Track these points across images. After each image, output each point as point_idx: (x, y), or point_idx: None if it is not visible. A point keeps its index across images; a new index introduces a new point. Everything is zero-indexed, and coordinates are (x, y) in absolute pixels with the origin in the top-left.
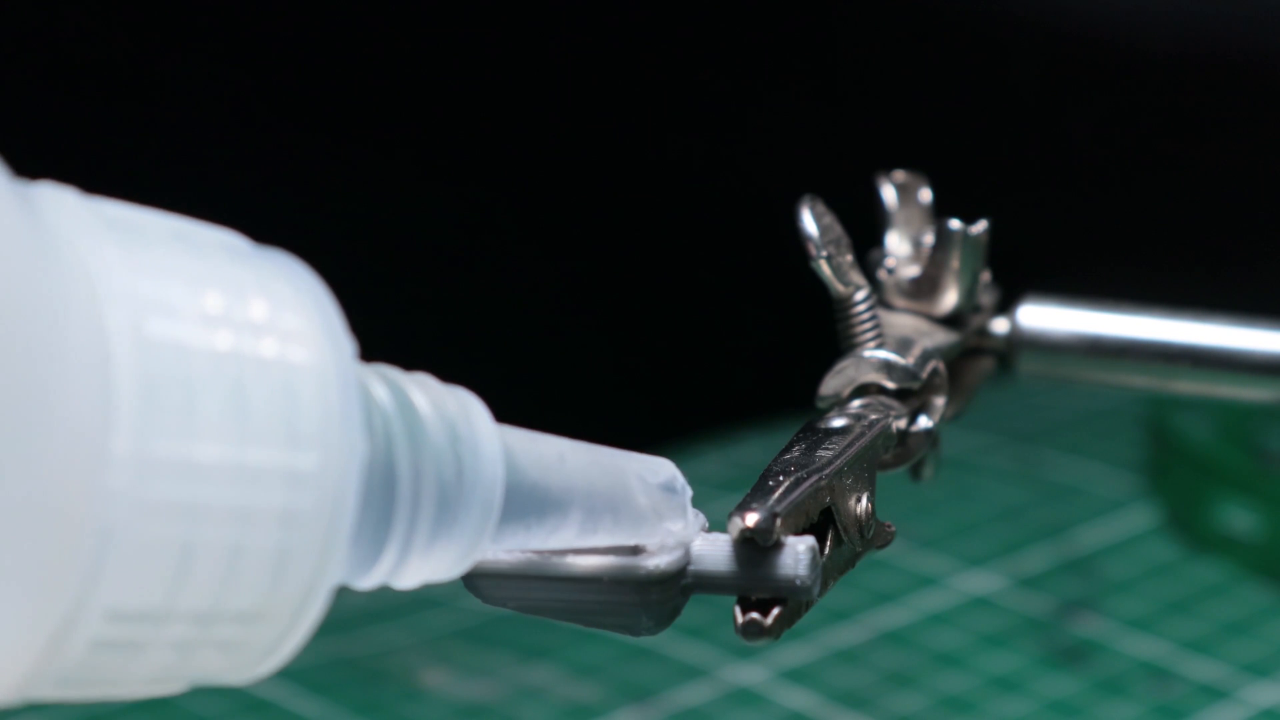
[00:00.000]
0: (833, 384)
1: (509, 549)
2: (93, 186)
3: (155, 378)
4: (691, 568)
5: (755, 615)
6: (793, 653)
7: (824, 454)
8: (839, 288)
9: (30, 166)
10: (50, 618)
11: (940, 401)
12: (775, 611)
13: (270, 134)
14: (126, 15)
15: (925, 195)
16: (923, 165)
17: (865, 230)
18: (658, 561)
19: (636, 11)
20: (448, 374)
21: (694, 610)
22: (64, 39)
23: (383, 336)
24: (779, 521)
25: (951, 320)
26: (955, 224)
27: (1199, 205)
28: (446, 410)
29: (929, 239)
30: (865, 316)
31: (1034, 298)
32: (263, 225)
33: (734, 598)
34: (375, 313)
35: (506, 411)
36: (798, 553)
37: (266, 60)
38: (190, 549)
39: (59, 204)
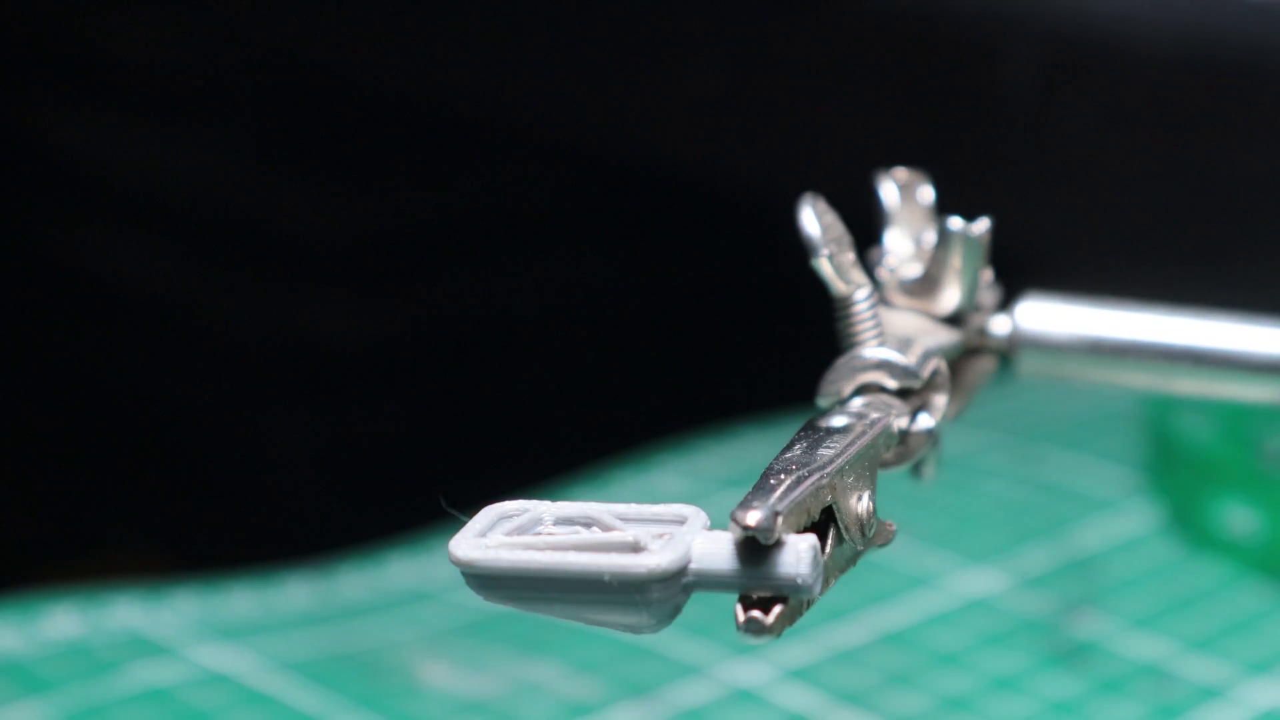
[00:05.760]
0: (834, 382)
1: (510, 547)
2: (95, 185)
3: None
4: (692, 566)
5: (756, 613)
6: (793, 652)
7: (825, 452)
8: (840, 286)
9: (31, 168)
10: None
11: (941, 400)
12: (776, 610)
13: (270, 134)
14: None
15: (926, 194)
16: (923, 165)
17: (866, 230)
18: (659, 559)
19: (636, 11)
20: (451, 374)
21: (695, 608)
22: (63, 37)
23: (388, 340)
24: (780, 520)
25: (953, 319)
26: (957, 223)
27: (1200, 204)
28: None
29: (930, 237)
30: (866, 315)
31: (1033, 296)
32: (262, 225)
33: (735, 596)
34: (379, 315)
35: (510, 410)
36: (799, 551)
37: (269, 60)
38: None
39: None
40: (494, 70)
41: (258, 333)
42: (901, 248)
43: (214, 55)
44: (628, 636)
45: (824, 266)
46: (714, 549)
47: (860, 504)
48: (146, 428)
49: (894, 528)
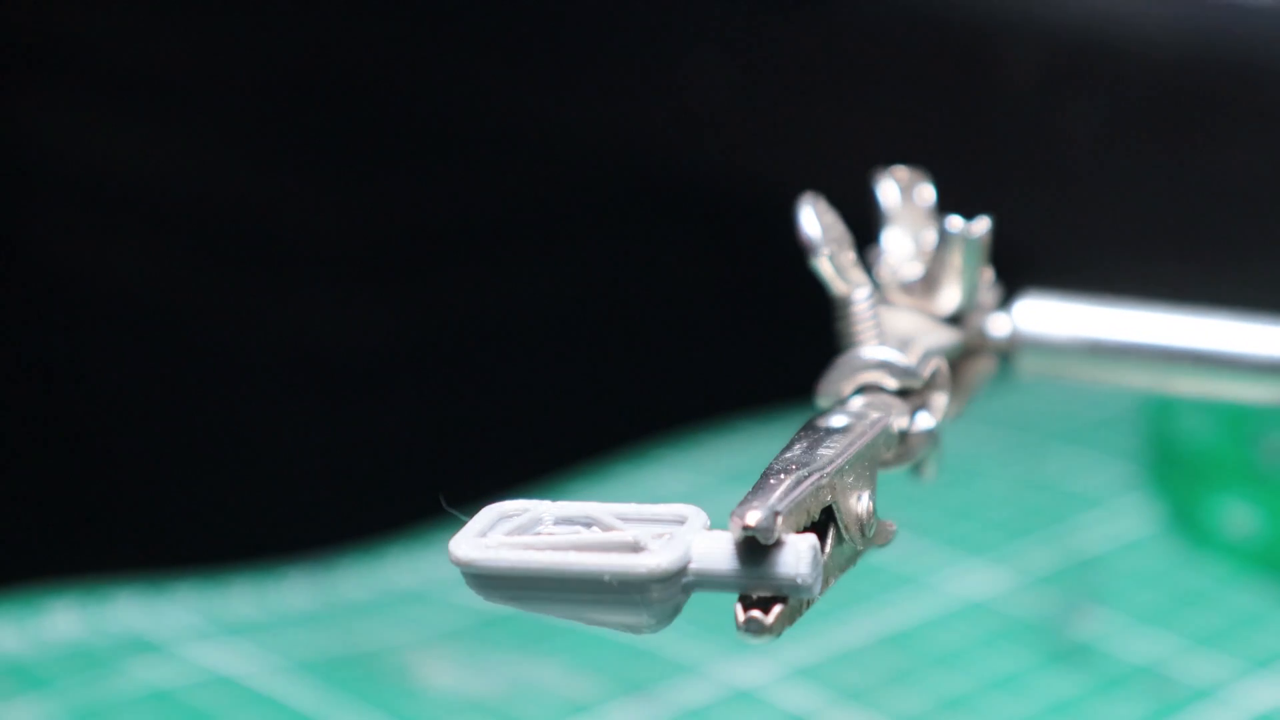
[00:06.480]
0: (834, 382)
1: (510, 547)
2: (93, 184)
3: None
4: (692, 565)
5: (756, 613)
6: (793, 651)
7: (825, 452)
8: (840, 286)
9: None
10: None
11: (942, 400)
12: (776, 610)
13: (267, 133)
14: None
15: (926, 193)
16: (923, 165)
17: (866, 229)
18: (659, 559)
19: (637, 12)
20: (450, 372)
21: (695, 608)
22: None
23: (388, 338)
24: (780, 520)
25: (953, 319)
26: (957, 223)
27: (1200, 204)
28: None
29: (930, 238)
30: (866, 315)
31: (1032, 295)
32: (260, 223)
33: (735, 596)
34: (379, 313)
35: (510, 407)
36: (799, 551)
37: (266, 59)
38: None
39: None
40: (494, 69)
41: (258, 331)
42: (901, 248)
43: (213, 53)
44: (628, 636)
45: (824, 266)
46: (714, 549)
47: (860, 504)
48: (147, 425)
49: (894, 528)
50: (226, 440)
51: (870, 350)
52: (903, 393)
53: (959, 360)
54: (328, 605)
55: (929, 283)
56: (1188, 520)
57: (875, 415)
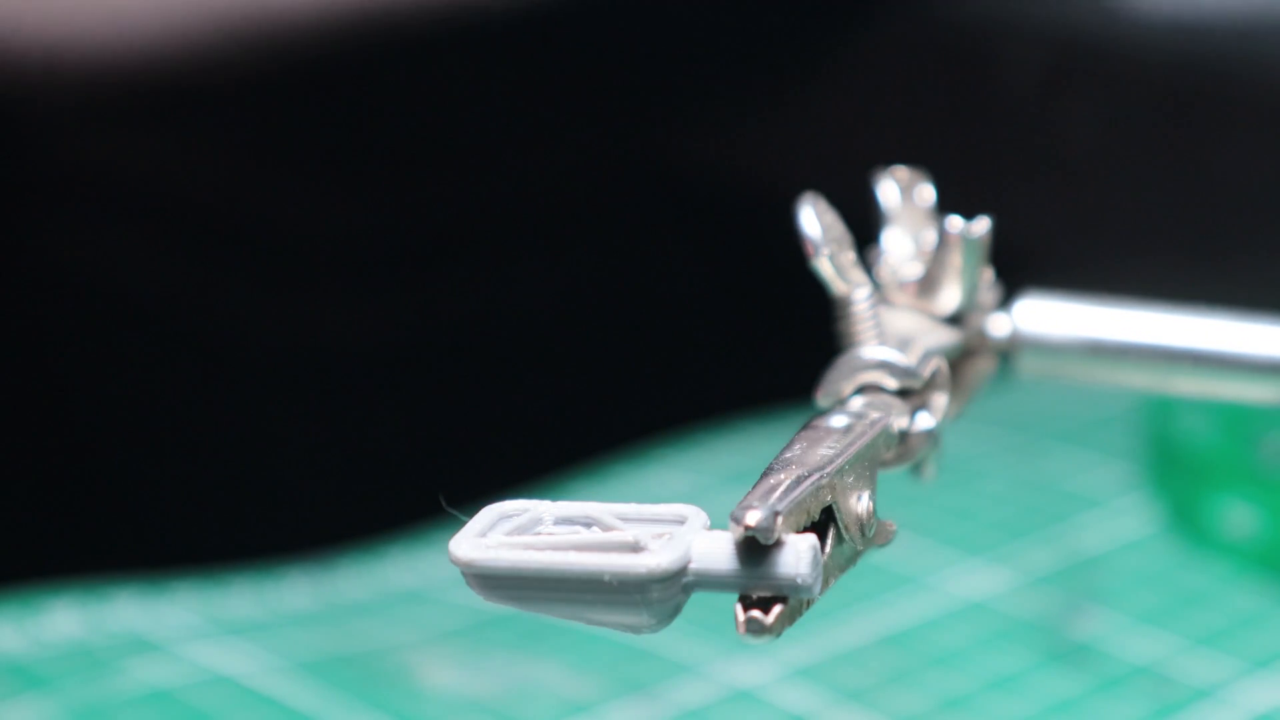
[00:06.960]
0: (833, 382)
1: (510, 547)
2: (93, 181)
3: None
4: (692, 565)
5: (756, 613)
6: (793, 651)
7: (825, 452)
8: (840, 286)
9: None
10: None
11: (942, 400)
12: (776, 610)
13: (268, 132)
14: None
15: (926, 193)
16: (923, 165)
17: (866, 229)
18: (659, 559)
19: (635, 11)
20: (450, 371)
21: (695, 608)
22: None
23: (388, 337)
24: (780, 520)
25: (953, 319)
26: (957, 223)
27: (1200, 203)
28: None
29: (930, 238)
30: (866, 315)
31: (1031, 295)
32: (260, 223)
33: (735, 596)
34: (378, 312)
35: (509, 406)
36: (799, 551)
37: (266, 57)
38: None
39: None
40: (494, 68)
41: (258, 331)
42: (901, 248)
43: (213, 52)
44: (628, 636)
45: (824, 266)
46: (714, 549)
47: (860, 504)
48: (147, 425)
49: (894, 528)
50: (226, 440)
51: (870, 350)
52: (903, 393)
53: (959, 360)
54: (328, 605)
55: (929, 283)
56: (1188, 520)
57: (875, 415)
